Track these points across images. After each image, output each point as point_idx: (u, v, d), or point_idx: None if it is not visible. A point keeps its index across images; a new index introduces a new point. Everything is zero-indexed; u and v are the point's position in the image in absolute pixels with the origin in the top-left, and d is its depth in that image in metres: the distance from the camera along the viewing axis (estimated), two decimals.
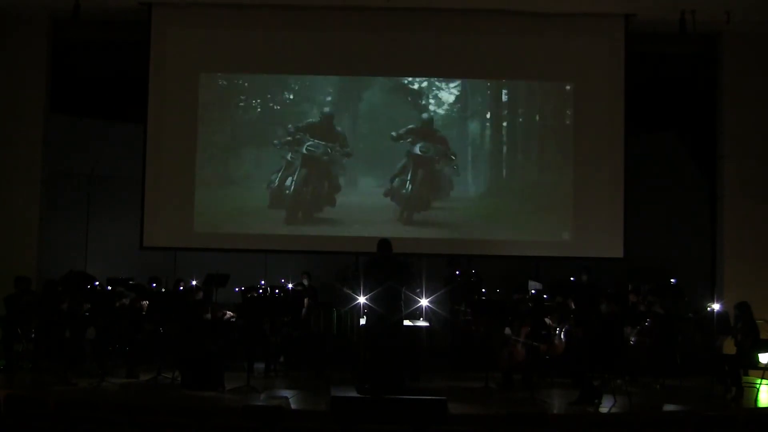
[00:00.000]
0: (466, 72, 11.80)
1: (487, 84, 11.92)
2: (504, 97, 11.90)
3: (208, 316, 10.23)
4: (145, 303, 10.38)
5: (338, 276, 11.62)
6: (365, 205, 11.71)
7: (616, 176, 11.61)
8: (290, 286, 11.67)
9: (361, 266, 9.31)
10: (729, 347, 9.93)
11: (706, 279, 12.01)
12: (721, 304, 9.95)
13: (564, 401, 8.82)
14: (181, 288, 11.48)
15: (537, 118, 11.86)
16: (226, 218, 11.75)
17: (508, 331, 9.81)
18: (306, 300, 11.26)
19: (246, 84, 11.91)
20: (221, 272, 10.80)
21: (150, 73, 11.63)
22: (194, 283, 11.31)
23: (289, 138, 11.66)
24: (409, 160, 11.70)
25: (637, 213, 11.97)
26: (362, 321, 9.42)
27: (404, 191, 11.67)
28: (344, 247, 11.64)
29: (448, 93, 11.91)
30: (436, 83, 11.88)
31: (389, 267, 8.77)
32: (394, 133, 11.66)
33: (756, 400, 9.06)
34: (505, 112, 11.90)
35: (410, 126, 11.71)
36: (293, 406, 8.32)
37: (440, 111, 11.86)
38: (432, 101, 11.87)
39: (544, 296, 11.08)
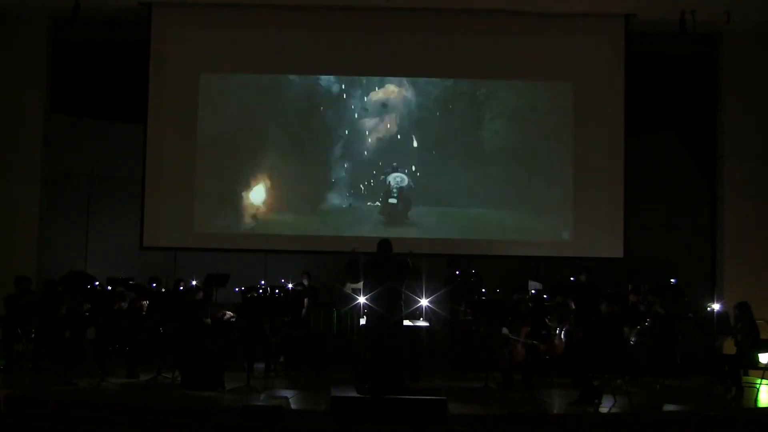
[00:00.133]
0: (466, 72, 11.80)
1: (487, 84, 11.90)
2: (504, 97, 11.89)
3: (208, 320, 10.22)
4: (145, 303, 10.38)
5: (338, 276, 11.61)
6: (365, 204, 11.72)
7: (616, 176, 11.60)
8: (290, 286, 11.67)
9: (361, 266, 9.30)
10: (729, 347, 9.93)
11: (706, 279, 12.01)
12: (721, 304, 9.94)
13: (564, 401, 8.82)
14: (181, 288, 11.48)
15: (537, 117, 11.83)
16: (226, 218, 11.75)
17: (505, 330, 9.81)
18: (306, 300, 11.26)
19: (246, 84, 11.90)
20: (221, 272, 10.80)
21: (150, 73, 11.63)
22: (194, 283, 11.29)
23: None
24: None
25: (637, 213, 11.97)
26: (362, 321, 9.42)
27: (404, 190, 11.68)
28: (344, 247, 11.61)
29: (449, 91, 11.90)
30: (437, 83, 11.86)
31: (389, 267, 8.77)
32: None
33: (756, 400, 9.06)
34: (505, 111, 11.88)
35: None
36: (293, 406, 8.32)
37: (440, 111, 11.85)
38: (432, 101, 11.86)
39: (544, 296, 11.08)
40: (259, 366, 10.28)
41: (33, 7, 11.50)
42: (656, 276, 11.48)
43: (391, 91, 11.87)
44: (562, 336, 9.87)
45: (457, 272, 11.81)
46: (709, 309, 9.94)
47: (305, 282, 11.75)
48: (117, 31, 11.93)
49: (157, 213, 11.59)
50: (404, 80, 11.87)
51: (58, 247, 12.54)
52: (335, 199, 11.77)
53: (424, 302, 9.99)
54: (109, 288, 11.09)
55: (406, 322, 9.44)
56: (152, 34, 11.62)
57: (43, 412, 6.80)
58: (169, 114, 11.65)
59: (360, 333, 9.63)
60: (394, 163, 11.77)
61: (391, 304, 8.62)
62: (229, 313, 10.61)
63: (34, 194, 11.63)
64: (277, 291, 11.43)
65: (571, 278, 11.87)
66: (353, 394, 8.39)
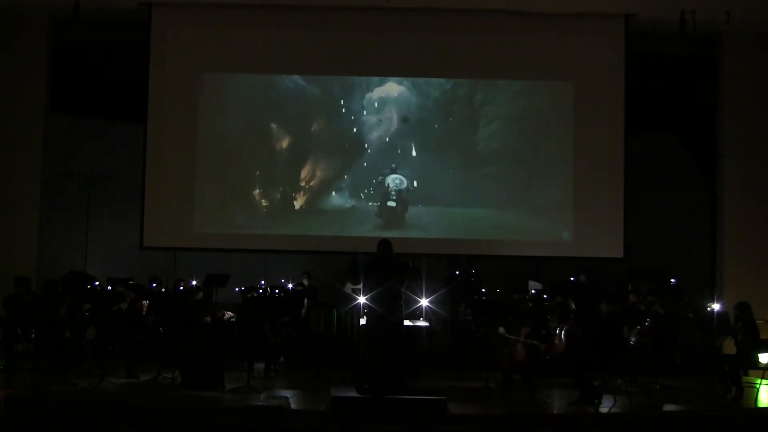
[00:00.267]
0: (466, 72, 11.80)
1: (487, 84, 11.89)
2: (504, 97, 11.89)
3: (208, 320, 10.22)
4: (145, 303, 10.38)
5: (338, 276, 11.61)
6: (365, 205, 11.72)
7: (616, 176, 11.60)
8: (290, 286, 11.68)
9: (361, 266, 9.31)
10: (729, 347, 9.93)
11: (706, 279, 12.01)
12: (721, 304, 9.94)
13: (564, 401, 8.82)
14: (181, 288, 11.48)
15: (537, 117, 11.83)
16: (226, 218, 11.75)
17: (501, 330, 9.82)
18: (306, 300, 11.26)
19: (246, 84, 11.90)
20: (221, 272, 10.81)
21: (150, 73, 11.63)
22: (194, 283, 11.31)
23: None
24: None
25: (637, 213, 11.98)
26: (362, 321, 9.42)
27: (402, 192, 11.68)
28: (344, 247, 11.64)
29: (449, 92, 11.89)
30: (437, 83, 11.87)
31: (389, 267, 8.77)
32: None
33: (756, 400, 9.06)
34: (505, 112, 11.88)
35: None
36: (293, 406, 8.32)
37: (440, 111, 11.85)
38: (432, 101, 11.86)
39: (544, 296, 11.08)
40: (259, 366, 10.27)
41: (33, 7, 11.50)
42: (656, 276, 11.49)
43: (391, 91, 11.87)
44: (562, 336, 9.86)
45: (457, 272, 11.81)
46: (709, 309, 9.95)
47: (305, 282, 11.75)
48: (117, 31, 11.92)
49: (157, 213, 11.59)
50: (404, 80, 11.86)
51: (58, 247, 12.54)
52: (335, 200, 11.77)
53: (424, 302, 9.99)
54: (109, 288, 11.10)
55: (406, 322, 9.43)
56: (152, 34, 11.61)
57: (43, 412, 6.79)
58: (169, 114, 11.65)
59: (360, 333, 9.63)
60: (393, 165, 11.76)
61: (391, 304, 8.61)
62: (229, 313, 10.61)
63: (34, 194, 11.62)
64: (277, 291, 11.43)
65: (571, 278, 11.88)
66: (353, 394, 8.38)
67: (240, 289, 11.52)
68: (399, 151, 11.80)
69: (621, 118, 11.62)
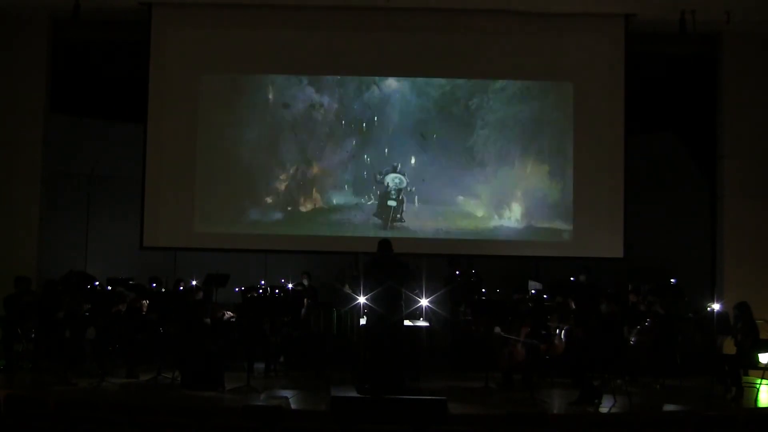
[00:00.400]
0: (466, 72, 11.80)
1: (487, 84, 11.89)
2: (503, 97, 11.88)
3: (207, 320, 10.22)
4: (145, 303, 10.38)
5: (338, 277, 11.62)
6: (365, 205, 11.72)
7: (616, 176, 11.60)
8: (290, 286, 11.68)
9: (361, 266, 9.31)
10: (729, 347, 9.93)
11: (706, 279, 12.01)
12: (721, 304, 9.94)
13: (564, 401, 8.82)
14: (181, 288, 11.48)
15: (536, 117, 11.83)
16: (225, 218, 11.74)
17: (497, 329, 9.82)
18: (306, 300, 11.26)
19: (246, 84, 11.90)
20: (221, 272, 10.80)
21: (150, 73, 11.63)
22: (194, 283, 11.31)
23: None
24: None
25: (637, 213, 11.97)
26: (362, 321, 9.42)
27: (402, 191, 11.69)
28: (344, 247, 11.64)
29: (448, 92, 11.89)
30: (437, 83, 11.86)
31: (389, 267, 8.77)
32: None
33: (756, 400, 9.06)
34: (505, 112, 11.88)
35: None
36: (293, 406, 8.32)
37: (440, 111, 11.85)
38: (432, 101, 11.86)
39: (544, 296, 11.09)
40: (259, 366, 10.27)
41: (33, 7, 11.50)
42: (656, 276, 11.49)
43: (391, 91, 11.86)
44: (562, 336, 9.87)
45: (457, 272, 11.82)
46: (709, 309, 9.95)
47: (305, 282, 11.75)
48: (117, 31, 11.92)
49: (157, 213, 11.59)
50: (404, 80, 11.86)
51: (58, 247, 12.54)
52: (335, 199, 11.76)
53: (424, 302, 9.99)
54: (109, 288, 11.09)
55: (406, 322, 9.43)
56: (152, 34, 11.61)
57: (43, 412, 6.80)
58: (169, 114, 11.65)
59: (360, 333, 9.63)
60: (394, 163, 11.76)
61: (391, 304, 8.61)
62: (229, 313, 10.61)
63: (34, 194, 11.62)
64: (277, 291, 11.44)
65: (571, 278, 11.88)
66: (353, 394, 8.38)
67: (240, 289, 11.53)
68: (399, 151, 11.79)
69: (621, 118, 11.62)
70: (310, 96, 11.89)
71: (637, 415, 8.12)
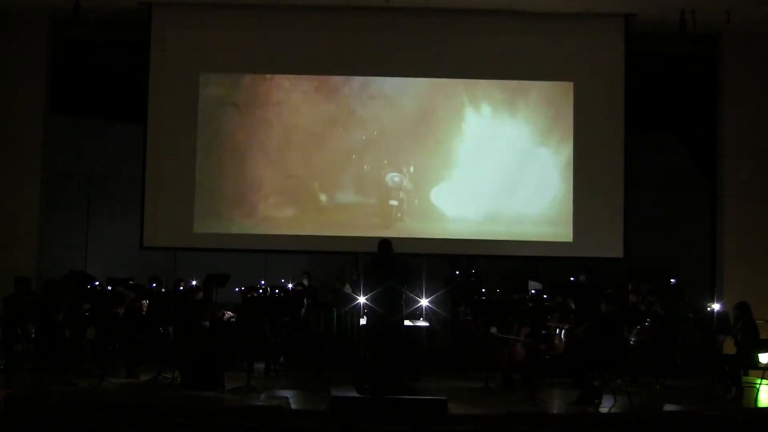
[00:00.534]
0: (466, 72, 11.79)
1: (487, 83, 11.89)
2: (503, 97, 11.88)
3: (206, 322, 10.21)
4: (145, 303, 10.38)
5: (338, 277, 11.62)
6: (366, 204, 11.72)
7: (616, 176, 11.60)
8: (290, 286, 11.68)
9: (361, 266, 9.31)
10: (729, 347, 9.93)
11: (706, 279, 12.01)
12: (721, 304, 9.94)
13: (564, 401, 8.82)
14: (181, 288, 11.48)
15: (536, 117, 11.83)
16: (226, 218, 11.74)
17: (493, 329, 9.82)
18: (306, 300, 11.26)
19: (246, 84, 11.89)
20: (221, 272, 10.81)
21: (150, 73, 11.63)
22: (194, 283, 11.30)
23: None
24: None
25: (637, 213, 11.97)
26: (362, 321, 9.42)
27: (403, 191, 11.69)
28: (344, 247, 11.64)
29: (449, 92, 11.89)
30: (437, 82, 11.86)
31: (389, 267, 8.77)
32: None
33: (756, 400, 9.06)
34: (505, 111, 11.88)
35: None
36: (293, 406, 8.31)
37: (440, 110, 11.84)
38: (432, 100, 11.86)
39: (544, 296, 11.08)
40: (259, 366, 10.27)
41: (33, 7, 11.50)
42: (656, 276, 11.49)
43: (391, 90, 11.86)
44: (562, 336, 9.87)
45: (457, 272, 11.82)
46: (709, 309, 9.95)
47: (305, 282, 11.75)
48: (117, 31, 11.93)
49: (157, 213, 11.59)
50: (404, 80, 11.85)
51: (58, 247, 12.54)
52: (335, 199, 11.75)
53: (424, 302, 9.99)
54: (109, 288, 11.09)
55: (406, 322, 9.44)
56: (152, 34, 11.61)
57: (43, 412, 6.80)
58: (169, 114, 11.64)
59: (360, 333, 9.63)
60: (395, 163, 11.75)
61: (391, 304, 8.61)
62: (229, 313, 10.61)
63: (34, 194, 11.62)
64: (277, 291, 11.44)
65: (571, 278, 11.88)
66: (353, 394, 8.37)
67: (240, 289, 11.53)
68: (399, 151, 11.78)
69: (621, 118, 11.62)
70: (309, 96, 11.88)
71: (637, 415, 8.12)
